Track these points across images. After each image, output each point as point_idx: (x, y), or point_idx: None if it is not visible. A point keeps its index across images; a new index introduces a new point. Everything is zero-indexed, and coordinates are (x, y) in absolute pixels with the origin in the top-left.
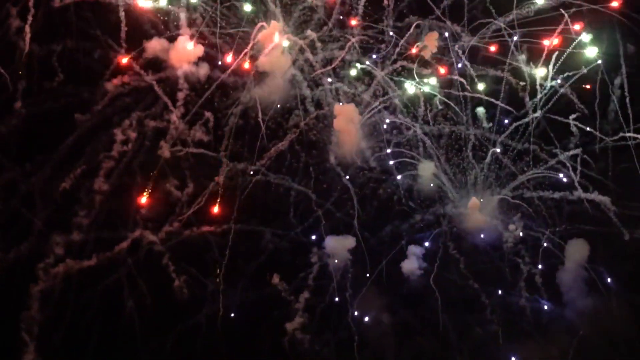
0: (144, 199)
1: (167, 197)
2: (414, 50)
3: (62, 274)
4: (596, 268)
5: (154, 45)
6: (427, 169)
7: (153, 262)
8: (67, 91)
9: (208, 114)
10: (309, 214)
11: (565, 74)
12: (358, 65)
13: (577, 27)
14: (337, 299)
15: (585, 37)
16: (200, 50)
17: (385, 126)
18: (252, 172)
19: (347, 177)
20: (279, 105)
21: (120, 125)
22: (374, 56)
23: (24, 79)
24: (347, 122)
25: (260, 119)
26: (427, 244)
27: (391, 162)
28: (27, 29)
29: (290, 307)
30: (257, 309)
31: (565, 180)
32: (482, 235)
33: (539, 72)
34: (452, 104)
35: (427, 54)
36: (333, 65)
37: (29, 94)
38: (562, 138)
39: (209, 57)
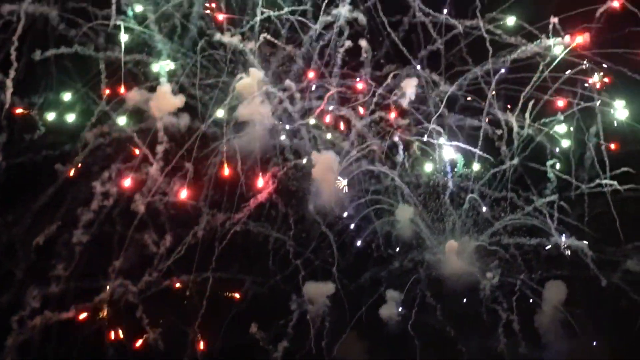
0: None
1: (146, 248)
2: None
3: (40, 325)
4: (574, 311)
5: (134, 96)
6: (404, 214)
7: (132, 312)
8: (47, 142)
9: (188, 165)
10: (288, 261)
11: (542, 120)
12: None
13: None
14: (315, 347)
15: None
16: (180, 100)
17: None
18: (231, 222)
19: (325, 224)
20: (258, 155)
21: (99, 177)
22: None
23: (4, 131)
24: (326, 170)
25: (239, 169)
26: (405, 289)
27: (369, 209)
28: (9, 82)
29: (269, 357)
30: (235, 358)
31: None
32: (459, 281)
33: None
34: (430, 151)
35: (404, 102)
36: (311, 116)
37: (10, 146)
38: (539, 183)
39: (189, 108)
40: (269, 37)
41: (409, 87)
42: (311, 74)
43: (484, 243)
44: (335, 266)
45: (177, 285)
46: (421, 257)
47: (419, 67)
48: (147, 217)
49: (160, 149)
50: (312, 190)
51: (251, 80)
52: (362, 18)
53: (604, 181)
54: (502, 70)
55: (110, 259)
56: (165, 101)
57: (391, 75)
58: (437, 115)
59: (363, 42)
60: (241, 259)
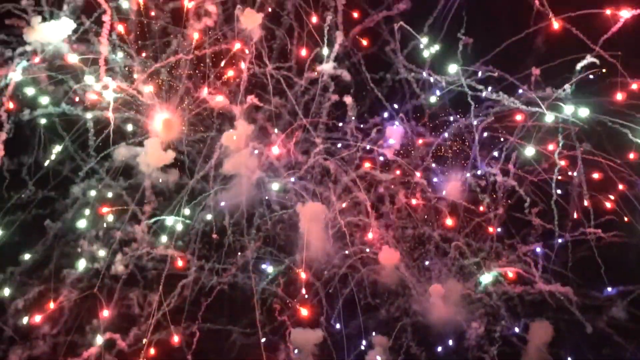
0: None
1: (135, 302)
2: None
3: None
4: (560, 353)
5: (122, 152)
6: (388, 258)
7: None
8: (37, 200)
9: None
10: (274, 311)
11: (525, 168)
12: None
13: None
14: None
15: None
16: (170, 156)
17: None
18: (218, 274)
19: (313, 273)
20: (244, 208)
21: (87, 235)
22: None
23: None
24: (312, 221)
25: (226, 223)
26: (392, 336)
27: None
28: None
29: None
30: None
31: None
32: (446, 328)
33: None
34: (416, 201)
35: (389, 153)
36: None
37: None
38: (522, 229)
39: (177, 163)
40: (254, 99)
41: (394, 138)
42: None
43: (470, 290)
44: (324, 315)
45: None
46: (407, 304)
47: (402, 120)
48: (135, 272)
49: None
50: (299, 242)
51: (238, 135)
52: (346, 74)
53: (588, 229)
54: (485, 121)
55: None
56: (155, 157)
57: (375, 129)
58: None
59: (348, 99)
60: (228, 311)
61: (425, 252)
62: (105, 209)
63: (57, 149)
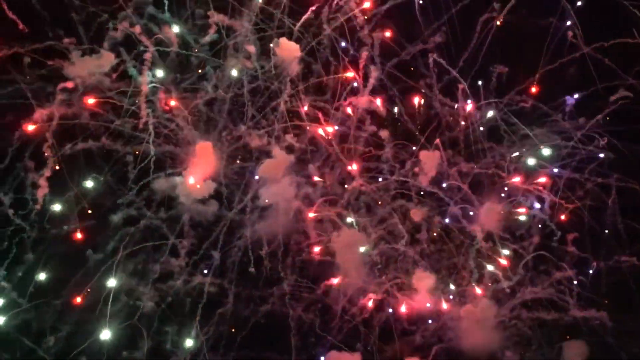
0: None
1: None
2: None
3: None
4: None
5: (161, 184)
6: (423, 282)
7: None
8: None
9: (215, 254)
10: (310, 336)
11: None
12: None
13: None
14: None
15: None
16: (209, 187)
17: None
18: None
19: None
20: (281, 239)
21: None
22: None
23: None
24: (348, 249)
25: (263, 253)
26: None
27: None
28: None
29: None
30: None
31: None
32: (479, 353)
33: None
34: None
35: (425, 181)
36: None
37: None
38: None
39: (217, 194)
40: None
41: (429, 166)
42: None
43: (504, 318)
44: (361, 342)
45: None
46: (442, 330)
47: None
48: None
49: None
50: (335, 268)
51: (276, 165)
52: (381, 108)
53: (622, 258)
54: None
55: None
56: (194, 188)
57: (411, 160)
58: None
59: (384, 133)
60: (265, 338)
61: (460, 278)
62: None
63: (97, 181)
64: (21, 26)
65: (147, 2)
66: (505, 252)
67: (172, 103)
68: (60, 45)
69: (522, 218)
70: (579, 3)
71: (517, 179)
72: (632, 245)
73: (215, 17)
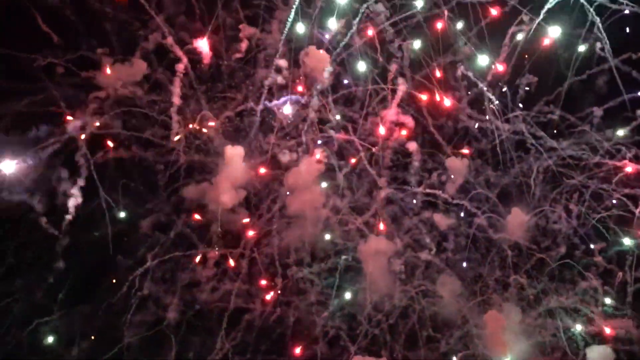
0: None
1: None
2: None
3: None
4: None
5: (191, 191)
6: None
7: None
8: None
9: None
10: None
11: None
12: None
13: None
14: None
15: None
16: (240, 195)
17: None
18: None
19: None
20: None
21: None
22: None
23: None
24: (375, 256)
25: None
26: None
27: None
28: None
29: None
30: None
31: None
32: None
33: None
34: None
35: (452, 189)
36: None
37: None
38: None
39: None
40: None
41: (457, 174)
42: None
43: (530, 327)
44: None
45: None
46: (467, 336)
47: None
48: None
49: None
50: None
51: (304, 173)
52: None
53: None
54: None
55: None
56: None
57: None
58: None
59: (412, 145)
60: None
61: (486, 286)
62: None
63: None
64: (56, 39)
65: (179, 12)
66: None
67: (203, 113)
68: (93, 55)
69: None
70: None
71: None
72: None
73: (246, 31)
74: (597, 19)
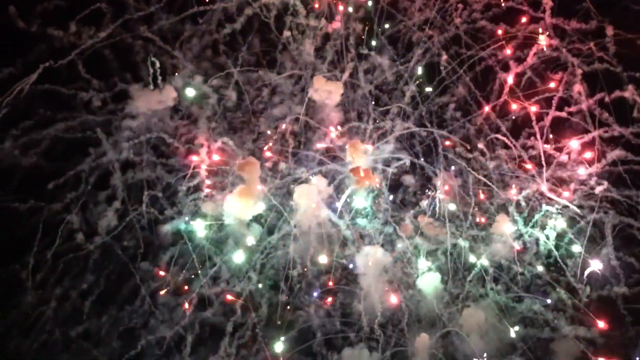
0: None
1: None
2: None
3: None
4: None
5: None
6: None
7: None
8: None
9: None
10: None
11: None
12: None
13: None
14: None
15: None
16: (259, 208)
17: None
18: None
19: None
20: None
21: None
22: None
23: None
24: (372, 265)
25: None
26: None
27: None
28: None
29: None
30: None
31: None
32: None
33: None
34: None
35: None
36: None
37: None
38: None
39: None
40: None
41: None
42: None
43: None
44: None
45: None
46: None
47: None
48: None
49: None
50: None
51: (312, 190)
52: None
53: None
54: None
55: None
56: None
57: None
58: None
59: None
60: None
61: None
62: None
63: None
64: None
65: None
66: None
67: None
68: (127, 88)
69: None
70: None
71: None
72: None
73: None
74: None
